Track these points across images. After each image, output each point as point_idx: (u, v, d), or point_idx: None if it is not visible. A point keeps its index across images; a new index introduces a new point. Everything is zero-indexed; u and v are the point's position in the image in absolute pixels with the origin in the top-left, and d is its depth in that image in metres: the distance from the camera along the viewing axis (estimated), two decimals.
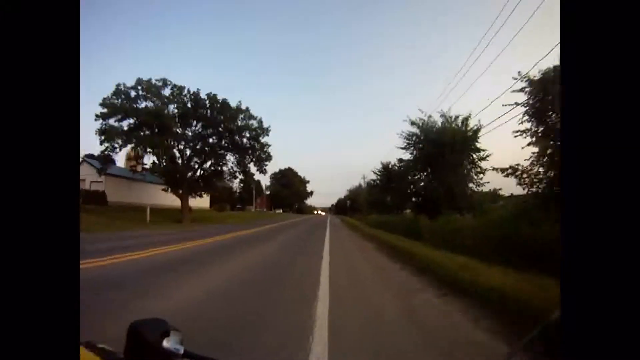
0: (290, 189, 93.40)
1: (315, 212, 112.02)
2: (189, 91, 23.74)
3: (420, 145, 14.75)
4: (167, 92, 23.40)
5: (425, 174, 15.59)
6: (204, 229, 16.33)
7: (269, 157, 26.09)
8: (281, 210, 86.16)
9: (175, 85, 23.63)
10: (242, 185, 77.83)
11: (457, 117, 14.12)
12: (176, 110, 23.52)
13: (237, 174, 26.98)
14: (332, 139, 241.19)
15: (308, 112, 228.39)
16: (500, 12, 9.06)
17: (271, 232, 15.64)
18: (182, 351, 0.63)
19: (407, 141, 15.24)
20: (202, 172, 25.71)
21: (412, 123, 14.75)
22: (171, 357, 0.62)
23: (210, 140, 24.66)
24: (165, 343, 0.62)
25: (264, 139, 25.55)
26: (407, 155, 15.96)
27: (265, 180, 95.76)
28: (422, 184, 15.89)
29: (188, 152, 24.59)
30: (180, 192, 23.75)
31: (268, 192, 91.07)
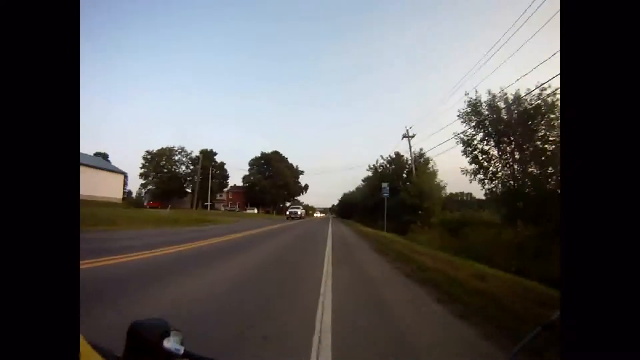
0: (273, 179, 61.76)
1: (314, 213, 73.95)
2: None
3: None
4: None
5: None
6: None
7: None
8: (255, 210, 55.90)
9: None
10: (190, 167, 50.53)
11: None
12: None
13: None
14: (333, 131, 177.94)
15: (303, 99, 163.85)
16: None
17: None
18: (182, 351, 0.62)
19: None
20: None
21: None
22: (171, 357, 0.61)
23: None
24: (166, 343, 0.61)
25: None
26: None
27: (241, 172, 66.37)
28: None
29: None
30: None
31: (247, 184, 63.53)
